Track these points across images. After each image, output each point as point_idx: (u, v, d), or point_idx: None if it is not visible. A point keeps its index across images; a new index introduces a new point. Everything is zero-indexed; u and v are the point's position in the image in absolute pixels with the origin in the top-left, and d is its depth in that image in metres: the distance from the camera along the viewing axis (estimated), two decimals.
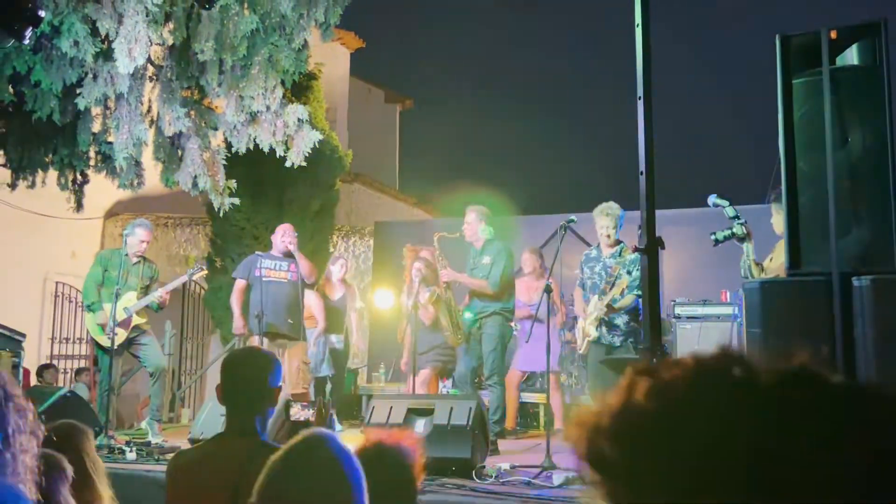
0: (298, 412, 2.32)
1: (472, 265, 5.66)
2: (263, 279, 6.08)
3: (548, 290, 5.21)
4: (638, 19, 3.20)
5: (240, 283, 6.21)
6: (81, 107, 6.27)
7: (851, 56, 3.71)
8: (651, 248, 3.04)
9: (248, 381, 2.23)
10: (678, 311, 7.03)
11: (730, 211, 4.70)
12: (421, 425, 4.55)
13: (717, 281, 7.16)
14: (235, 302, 6.24)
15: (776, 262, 4.56)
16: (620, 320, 5.32)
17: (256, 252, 6.42)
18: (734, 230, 4.63)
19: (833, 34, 3.68)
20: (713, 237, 4.76)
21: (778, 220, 4.50)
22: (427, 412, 4.62)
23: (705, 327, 6.82)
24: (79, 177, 7.68)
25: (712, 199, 4.81)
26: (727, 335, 6.25)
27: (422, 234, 7.26)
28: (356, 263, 10.49)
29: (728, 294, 6.90)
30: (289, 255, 6.16)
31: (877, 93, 3.57)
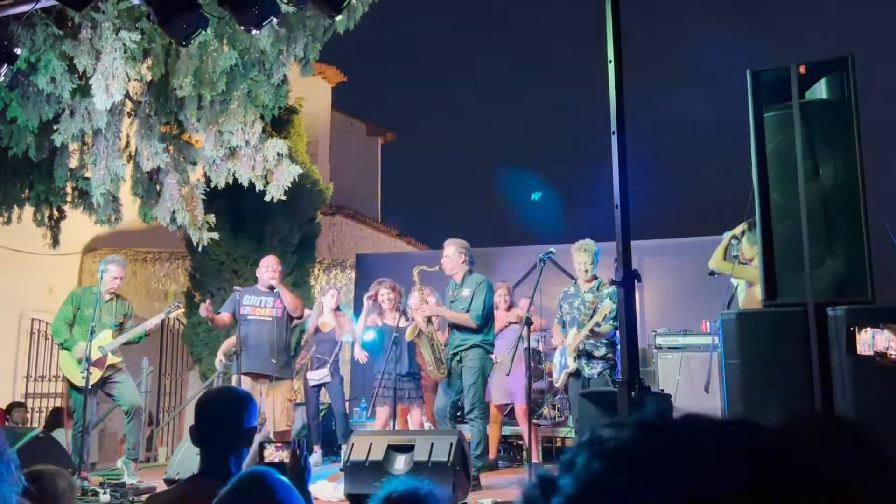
0: (273, 453, 2.27)
1: (452, 298, 5.64)
2: (248, 317, 5.87)
3: (527, 322, 5.20)
4: (611, 55, 3.26)
5: (224, 314, 6.01)
6: (58, 143, 6.24)
7: (820, 90, 3.79)
8: (627, 281, 3.05)
9: (223, 421, 2.19)
10: (659, 341, 7.04)
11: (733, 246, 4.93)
12: (401, 462, 4.49)
13: (698, 311, 7.19)
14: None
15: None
16: (598, 352, 5.39)
17: (236, 288, 6.26)
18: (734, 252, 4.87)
19: (802, 69, 3.76)
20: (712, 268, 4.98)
21: (747, 247, 4.68)
22: (407, 448, 4.57)
23: (686, 357, 6.83)
24: (55, 213, 7.62)
25: (726, 235, 5.01)
26: (707, 365, 6.26)
27: (402, 267, 7.25)
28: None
29: (708, 324, 6.93)
30: (274, 290, 5.98)
31: (846, 126, 3.64)
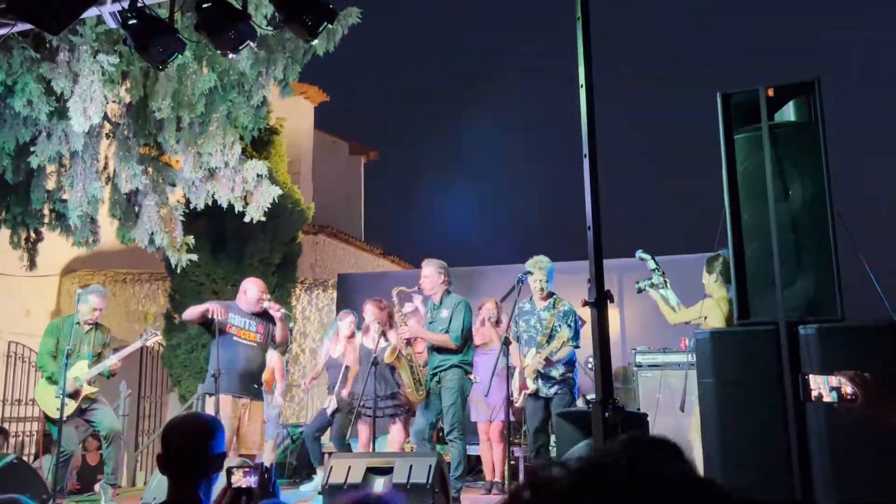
0: (241, 479, 2.26)
1: (430, 319, 5.64)
2: (234, 338, 5.55)
3: (506, 342, 5.21)
4: (582, 80, 3.30)
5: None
6: (35, 165, 6.21)
7: (789, 112, 3.86)
8: (600, 302, 3.07)
9: (190, 448, 2.17)
10: (639, 359, 7.07)
11: (651, 264, 5.33)
12: (380, 484, 4.47)
13: (678, 328, 7.22)
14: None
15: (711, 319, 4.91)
16: (556, 372, 5.54)
17: (229, 303, 5.89)
18: (653, 280, 5.30)
19: (770, 92, 3.84)
20: (637, 285, 5.40)
21: (708, 280, 5.05)
22: (386, 471, 4.55)
23: (666, 375, 6.85)
24: (32, 235, 7.55)
25: (639, 253, 5.41)
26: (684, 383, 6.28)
27: (384, 286, 7.24)
28: (319, 316, 10.40)
29: (687, 341, 6.96)
30: (257, 315, 5.64)
31: (814, 147, 3.71)
